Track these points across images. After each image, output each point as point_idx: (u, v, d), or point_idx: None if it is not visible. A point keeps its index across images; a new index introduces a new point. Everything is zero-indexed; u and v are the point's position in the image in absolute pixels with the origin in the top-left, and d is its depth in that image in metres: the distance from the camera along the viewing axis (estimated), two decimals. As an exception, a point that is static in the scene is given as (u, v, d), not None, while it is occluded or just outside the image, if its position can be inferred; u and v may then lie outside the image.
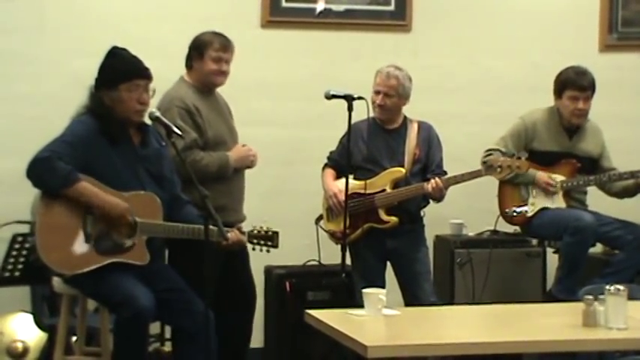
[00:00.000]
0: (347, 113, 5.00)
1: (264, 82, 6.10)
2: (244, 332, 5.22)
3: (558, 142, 5.84)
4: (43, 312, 5.41)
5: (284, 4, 6.25)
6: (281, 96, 6.09)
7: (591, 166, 5.87)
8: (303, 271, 5.84)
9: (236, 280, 5.11)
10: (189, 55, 5.13)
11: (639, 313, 3.98)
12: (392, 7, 6.41)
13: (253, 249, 4.76)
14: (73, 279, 4.47)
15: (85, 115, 4.54)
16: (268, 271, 5.83)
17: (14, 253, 4.84)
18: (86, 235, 4.42)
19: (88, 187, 4.40)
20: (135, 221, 4.48)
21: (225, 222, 4.74)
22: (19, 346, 5.35)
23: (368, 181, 5.39)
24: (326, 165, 5.60)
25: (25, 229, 4.77)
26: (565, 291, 5.55)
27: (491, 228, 6.09)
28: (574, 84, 5.74)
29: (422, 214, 5.55)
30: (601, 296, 3.91)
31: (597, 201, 5.94)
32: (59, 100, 5.74)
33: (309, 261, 5.86)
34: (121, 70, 4.54)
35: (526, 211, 5.81)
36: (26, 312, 5.49)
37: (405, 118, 5.54)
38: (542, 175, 5.75)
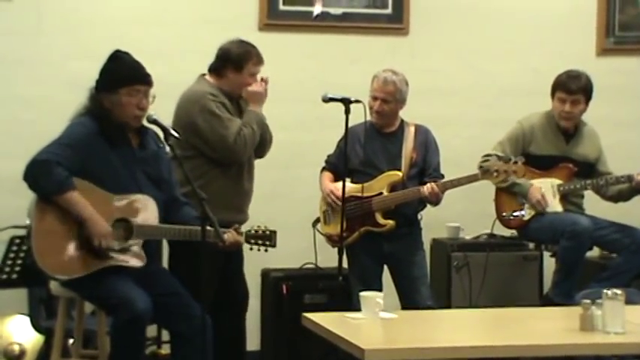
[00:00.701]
0: (344, 116, 5.01)
1: (262, 85, 6.10)
2: (237, 334, 5.21)
3: (555, 145, 5.84)
4: (40, 314, 5.41)
5: (281, 7, 6.26)
6: (278, 99, 6.06)
7: (588, 170, 5.87)
8: (300, 274, 5.84)
9: (228, 282, 5.11)
10: (223, 64, 5.10)
11: (637, 317, 4.00)
12: (389, 11, 6.42)
13: (251, 249, 4.75)
14: (70, 282, 4.47)
15: (84, 117, 4.53)
16: (265, 273, 5.83)
17: (12, 255, 4.84)
18: (81, 239, 4.42)
19: (78, 198, 4.39)
20: (131, 224, 4.47)
21: (231, 221, 4.77)
22: (16, 348, 5.34)
23: (365, 185, 5.40)
24: (324, 168, 5.61)
25: (22, 231, 4.77)
26: (562, 295, 5.55)
27: (488, 231, 6.09)
28: (563, 86, 5.76)
29: (419, 217, 5.55)
30: (598, 300, 3.92)
31: (594, 204, 5.95)
32: (56, 103, 5.74)
33: (306, 264, 5.86)
34: (122, 74, 4.53)
35: (523, 215, 5.81)
36: (23, 314, 5.49)
37: (402, 121, 5.54)
38: (534, 192, 5.74)
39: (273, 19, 6.24)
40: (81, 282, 4.43)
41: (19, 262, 4.84)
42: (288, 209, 5.74)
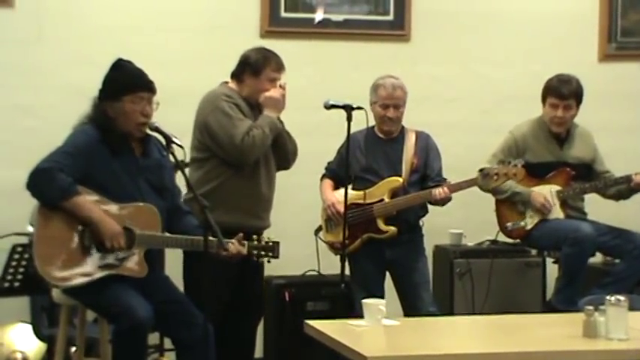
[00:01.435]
0: (346, 123, 5.00)
1: (263, 92, 6.10)
2: (246, 345, 5.21)
3: (550, 151, 5.83)
4: (43, 322, 5.40)
5: (283, 14, 6.27)
6: (280, 106, 6.09)
7: (586, 172, 5.86)
8: (303, 281, 5.83)
9: (243, 291, 5.10)
10: (242, 70, 5.12)
11: (640, 323, 3.98)
12: (391, 17, 6.42)
13: (255, 260, 4.74)
14: (72, 290, 4.46)
15: (87, 125, 4.53)
16: (268, 281, 5.81)
17: (14, 263, 4.83)
18: (83, 247, 4.41)
19: (85, 201, 4.39)
20: (133, 233, 4.47)
21: (245, 227, 4.79)
22: (19, 356, 5.35)
23: (366, 191, 5.39)
24: (324, 175, 5.60)
25: (24, 239, 4.77)
26: (565, 301, 5.54)
27: (491, 238, 6.09)
28: (554, 92, 5.75)
29: (421, 223, 5.54)
30: (601, 307, 3.90)
31: (596, 209, 5.94)
32: (58, 111, 5.76)
33: (308, 271, 5.85)
34: (125, 82, 4.53)
35: (525, 224, 5.80)
36: (25, 322, 5.49)
37: (403, 127, 5.54)
38: (537, 196, 5.74)
39: (275, 25, 6.24)
40: (83, 290, 4.43)
41: (21, 270, 4.83)
42: (289, 216, 5.74)
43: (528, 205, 5.78)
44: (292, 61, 6.11)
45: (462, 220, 6.20)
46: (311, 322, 4.15)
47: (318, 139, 5.69)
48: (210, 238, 4.32)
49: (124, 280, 4.45)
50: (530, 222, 5.79)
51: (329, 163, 5.62)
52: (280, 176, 5.38)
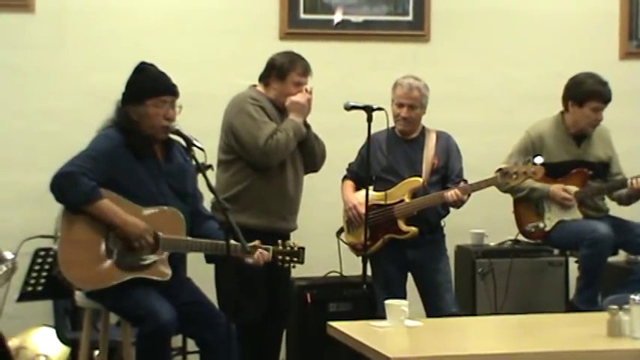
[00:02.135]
0: (366, 124, 5.00)
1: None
2: (273, 347, 5.22)
3: (567, 150, 5.79)
4: (66, 326, 5.42)
5: (302, 15, 6.27)
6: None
7: (604, 171, 5.82)
8: (325, 282, 5.82)
9: (271, 294, 5.11)
10: (268, 73, 5.14)
11: (664, 322, 3.95)
12: (410, 18, 6.41)
13: (280, 265, 4.73)
14: (96, 293, 4.48)
15: (110, 129, 4.54)
16: (290, 282, 5.82)
17: (37, 267, 4.85)
18: (108, 251, 4.43)
19: (109, 205, 4.41)
20: (157, 237, 4.48)
21: (272, 229, 4.86)
22: (42, 360, 5.36)
23: (387, 192, 5.38)
24: (345, 177, 5.61)
25: (48, 242, 4.79)
26: (586, 302, 5.53)
27: (513, 237, 6.05)
28: (600, 96, 5.68)
29: (442, 223, 5.54)
30: (626, 306, 3.89)
31: (618, 206, 5.90)
32: (79, 115, 5.78)
33: (330, 272, 5.84)
34: (148, 85, 4.54)
35: (544, 226, 5.78)
36: (49, 326, 5.51)
37: (424, 128, 5.54)
38: (556, 189, 5.71)
39: (294, 27, 6.25)
40: (106, 293, 4.44)
41: (44, 274, 4.85)
42: (311, 217, 5.73)
43: (547, 202, 5.74)
44: (312, 63, 6.10)
45: (483, 219, 6.18)
46: (333, 324, 4.16)
47: (338, 140, 5.68)
48: (233, 242, 4.33)
49: (147, 283, 4.46)
50: (548, 223, 5.77)
51: (350, 165, 5.62)
52: (301, 177, 5.38)
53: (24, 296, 4.88)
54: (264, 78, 5.16)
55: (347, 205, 5.50)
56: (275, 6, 6.25)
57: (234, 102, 5.12)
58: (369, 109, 5.02)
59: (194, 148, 4.46)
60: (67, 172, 4.38)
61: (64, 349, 5.42)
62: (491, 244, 6.15)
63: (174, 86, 4.58)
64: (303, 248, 4.70)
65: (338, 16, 6.33)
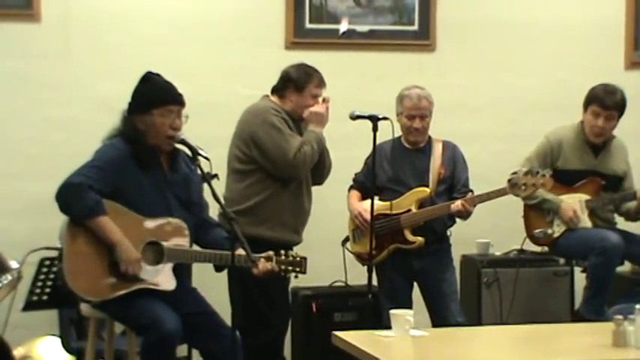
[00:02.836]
0: (372, 134, 5.00)
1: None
2: (275, 356, 5.22)
3: (583, 159, 5.79)
4: (71, 335, 5.42)
5: (308, 25, 6.28)
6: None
7: (617, 185, 5.82)
8: (330, 292, 5.83)
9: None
10: (284, 86, 5.16)
11: (670, 332, 3.94)
12: (415, 27, 6.42)
13: (283, 275, 4.73)
14: (101, 303, 4.48)
15: (116, 139, 4.55)
16: (295, 292, 5.81)
17: (42, 277, 4.85)
18: (112, 262, 4.43)
19: (108, 223, 4.40)
20: (162, 247, 4.48)
21: (285, 241, 4.92)
22: (48, 369, 5.36)
23: (393, 202, 5.39)
24: (351, 187, 5.61)
25: (53, 252, 4.79)
26: (593, 311, 5.51)
27: (518, 247, 6.05)
28: (598, 100, 5.70)
29: (448, 233, 5.53)
30: (631, 316, 3.88)
31: (626, 221, 5.89)
32: (85, 124, 5.79)
33: (335, 282, 5.85)
34: (154, 95, 4.55)
35: (552, 232, 5.77)
36: (54, 335, 5.51)
37: (430, 137, 5.54)
38: (566, 208, 5.70)
39: (300, 37, 6.26)
40: (112, 303, 4.44)
41: (49, 283, 4.85)
42: (316, 227, 5.73)
43: (557, 215, 5.75)
44: (317, 72, 6.12)
45: (488, 229, 6.18)
46: (339, 333, 4.15)
47: (344, 149, 5.69)
48: (240, 252, 4.34)
49: (152, 293, 4.46)
50: (557, 230, 5.77)
51: (356, 175, 5.62)
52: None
53: (29, 305, 4.88)
54: (280, 90, 5.18)
55: (353, 213, 5.50)
56: (281, 15, 6.26)
57: (255, 112, 5.11)
58: (374, 119, 5.02)
59: (199, 158, 4.47)
60: (74, 183, 4.39)
61: (69, 359, 5.42)
62: (497, 253, 6.15)
63: (180, 96, 4.59)
64: (305, 258, 4.70)
65: (344, 26, 6.34)
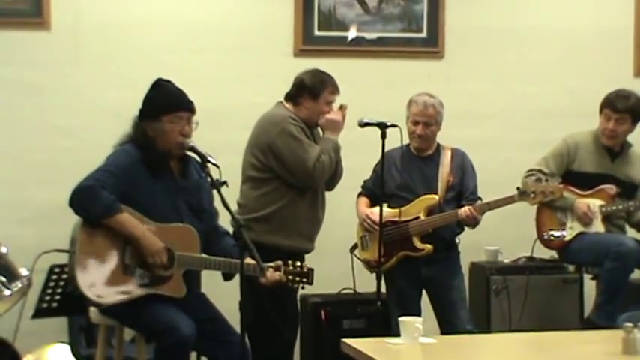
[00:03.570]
0: (381, 141, 5.01)
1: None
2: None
3: (599, 163, 5.79)
4: (81, 342, 5.44)
5: (316, 32, 6.29)
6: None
7: (632, 192, 5.81)
8: (339, 299, 5.83)
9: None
10: (299, 93, 5.16)
11: (680, 340, 3.93)
12: (424, 35, 6.43)
13: (290, 285, 4.72)
14: (111, 309, 4.48)
15: (128, 145, 4.56)
16: (304, 299, 5.81)
17: (52, 284, 4.85)
18: (124, 266, 4.44)
19: (129, 218, 4.42)
20: (172, 254, 4.49)
21: (300, 249, 4.98)
22: (57, 376, 5.36)
23: (402, 209, 5.39)
24: (360, 194, 5.61)
25: (62, 259, 4.80)
26: (605, 317, 5.48)
27: (527, 254, 6.04)
28: (610, 104, 5.72)
29: (457, 240, 5.53)
30: (640, 323, 3.88)
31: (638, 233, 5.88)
32: (94, 132, 5.81)
33: (344, 289, 5.84)
34: (164, 101, 4.56)
35: (564, 236, 5.76)
36: (64, 342, 5.52)
37: (439, 145, 5.54)
38: (580, 204, 5.70)
39: (309, 44, 6.27)
40: (123, 309, 4.45)
41: (59, 290, 4.85)
42: (325, 234, 5.74)
43: (570, 213, 5.73)
44: (326, 80, 6.12)
45: (497, 236, 6.17)
46: (348, 341, 4.14)
47: (352, 157, 5.69)
48: (249, 260, 4.34)
49: (163, 299, 4.46)
50: (569, 233, 5.75)
51: (365, 182, 5.63)
52: (315, 194, 5.38)
53: (39, 313, 4.88)
54: (295, 97, 5.17)
55: (361, 217, 5.50)
56: (289, 23, 6.27)
57: (273, 121, 5.10)
58: (383, 126, 5.03)
59: (209, 165, 4.48)
60: (87, 186, 4.39)
61: (78, 366, 5.43)
62: (506, 260, 6.14)
63: (190, 102, 4.60)
64: (312, 269, 4.69)
65: (352, 33, 6.35)
